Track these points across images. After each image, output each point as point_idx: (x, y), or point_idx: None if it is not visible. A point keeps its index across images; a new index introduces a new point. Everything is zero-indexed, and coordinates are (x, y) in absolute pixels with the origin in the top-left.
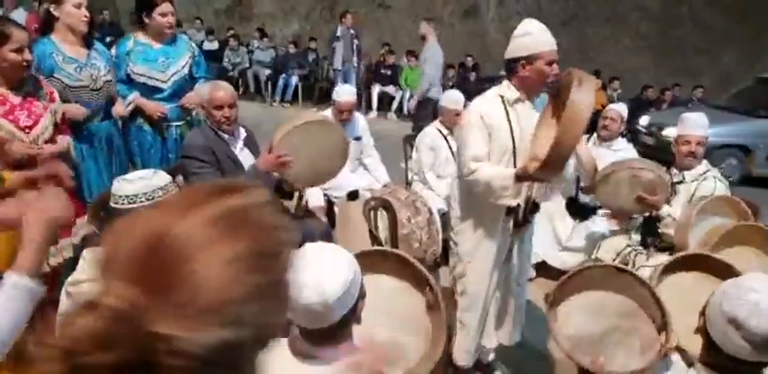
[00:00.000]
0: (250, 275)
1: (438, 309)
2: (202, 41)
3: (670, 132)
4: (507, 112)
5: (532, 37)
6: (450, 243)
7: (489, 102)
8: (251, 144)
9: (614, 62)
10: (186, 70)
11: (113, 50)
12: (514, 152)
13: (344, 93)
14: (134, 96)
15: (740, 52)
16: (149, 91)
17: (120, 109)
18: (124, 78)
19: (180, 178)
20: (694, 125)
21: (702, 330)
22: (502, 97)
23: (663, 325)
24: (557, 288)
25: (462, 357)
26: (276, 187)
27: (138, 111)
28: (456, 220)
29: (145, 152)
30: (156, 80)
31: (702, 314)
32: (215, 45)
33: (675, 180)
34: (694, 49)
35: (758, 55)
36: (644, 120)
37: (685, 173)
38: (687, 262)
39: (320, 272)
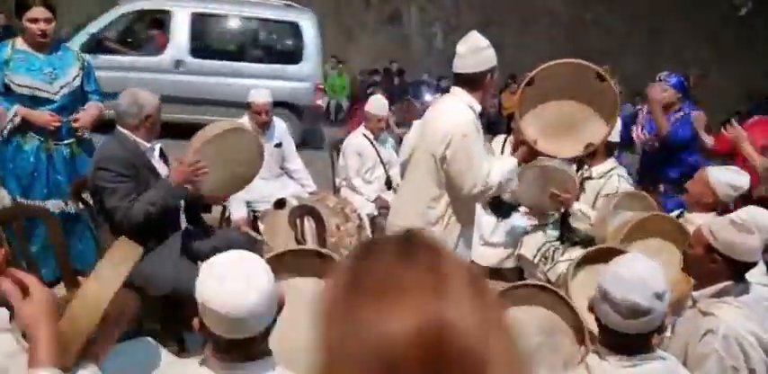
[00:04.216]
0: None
1: None
2: None
3: None
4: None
5: (491, 49)
6: None
7: (468, 112)
8: (164, 155)
9: (528, 66)
10: (77, 83)
11: None
12: None
13: (259, 94)
14: (17, 108)
15: (639, 53)
16: (36, 104)
17: None
18: (1, 90)
19: (86, 194)
20: None
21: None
22: (470, 108)
23: (582, 337)
24: None
25: None
26: (193, 202)
27: (15, 130)
28: None
29: (26, 177)
30: (44, 92)
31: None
32: None
33: (585, 175)
34: (598, 52)
35: (654, 56)
36: None
37: (593, 169)
38: (599, 256)
39: (243, 282)
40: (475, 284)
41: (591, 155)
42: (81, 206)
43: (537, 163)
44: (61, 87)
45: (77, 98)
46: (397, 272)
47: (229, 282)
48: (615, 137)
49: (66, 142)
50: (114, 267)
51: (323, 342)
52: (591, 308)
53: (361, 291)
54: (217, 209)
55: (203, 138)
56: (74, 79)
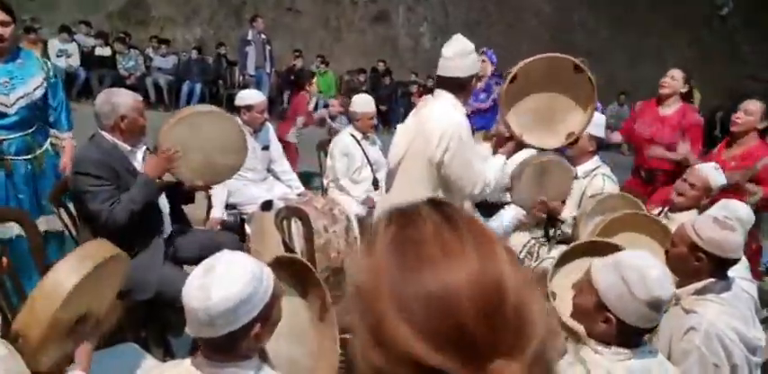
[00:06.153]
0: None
1: (327, 321)
2: (94, 47)
3: None
4: None
5: (475, 53)
6: None
7: (458, 114)
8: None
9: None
10: (39, 95)
11: None
12: None
13: (254, 94)
14: None
15: (623, 53)
16: None
17: None
18: None
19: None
20: None
21: (597, 304)
22: (458, 110)
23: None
24: None
25: None
26: (175, 192)
27: None
28: None
29: None
30: None
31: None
32: (108, 51)
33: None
34: (584, 52)
35: (638, 58)
36: None
37: (578, 168)
38: (580, 252)
39: (214, 280)
40: (508, 247)
41: (572, 144)
42: (61, 210)
43: (533, 160)
44: (18, 98)
45: (37, 111)
46: (446, 236)
47: (197, 278)
48: (600, 132)
49: (25, 157)
50: (80, 260)
51: (371, 303)
52: (594, 307)
53: (414, 255)
54: (202, 209)
55: (173, 120)
56: (34, 90)
